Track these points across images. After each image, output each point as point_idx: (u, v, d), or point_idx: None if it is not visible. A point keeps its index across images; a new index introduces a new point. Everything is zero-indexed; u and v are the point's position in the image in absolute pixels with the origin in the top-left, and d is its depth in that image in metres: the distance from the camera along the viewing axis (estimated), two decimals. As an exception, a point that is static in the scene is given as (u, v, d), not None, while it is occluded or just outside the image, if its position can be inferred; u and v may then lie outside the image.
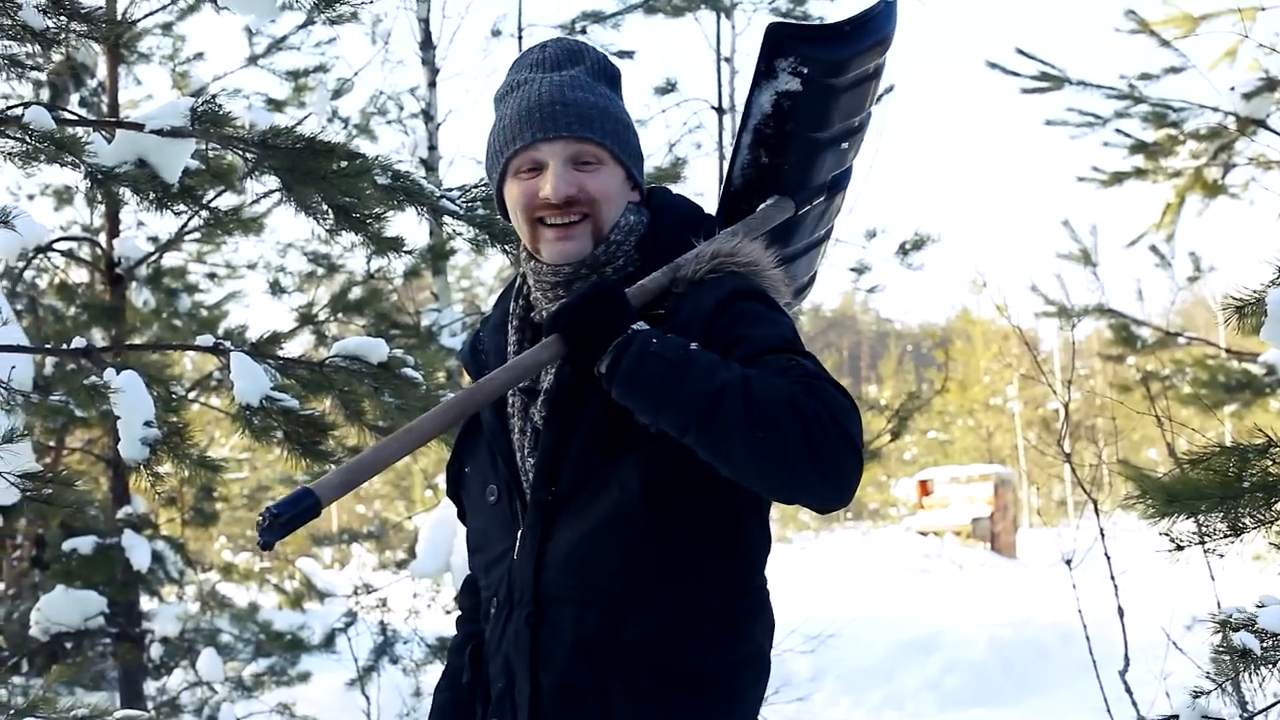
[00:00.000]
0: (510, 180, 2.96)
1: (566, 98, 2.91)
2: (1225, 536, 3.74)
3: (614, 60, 3.12)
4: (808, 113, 3.26)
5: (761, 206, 3.24)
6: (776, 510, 39.51)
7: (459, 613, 3.32)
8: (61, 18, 4.49)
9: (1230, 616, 3.63)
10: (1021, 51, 9.77)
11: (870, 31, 3.30)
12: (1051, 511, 44.90)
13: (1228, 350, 11.80)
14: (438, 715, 3.20)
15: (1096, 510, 7.18)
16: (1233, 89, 9.51)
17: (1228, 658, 3.61)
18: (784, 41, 3.23)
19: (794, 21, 3.25)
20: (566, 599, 2.78)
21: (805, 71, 3.22)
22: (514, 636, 2.84)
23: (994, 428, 55.81)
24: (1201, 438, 3.90)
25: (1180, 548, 3.79)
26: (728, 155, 12.55)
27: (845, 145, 3.40)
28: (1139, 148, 10.65)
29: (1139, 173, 10.92)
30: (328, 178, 4.39)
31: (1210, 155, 10.63)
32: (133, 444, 4.61)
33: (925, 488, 38.24)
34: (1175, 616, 9.00)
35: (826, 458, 2.49)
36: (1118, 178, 10.93)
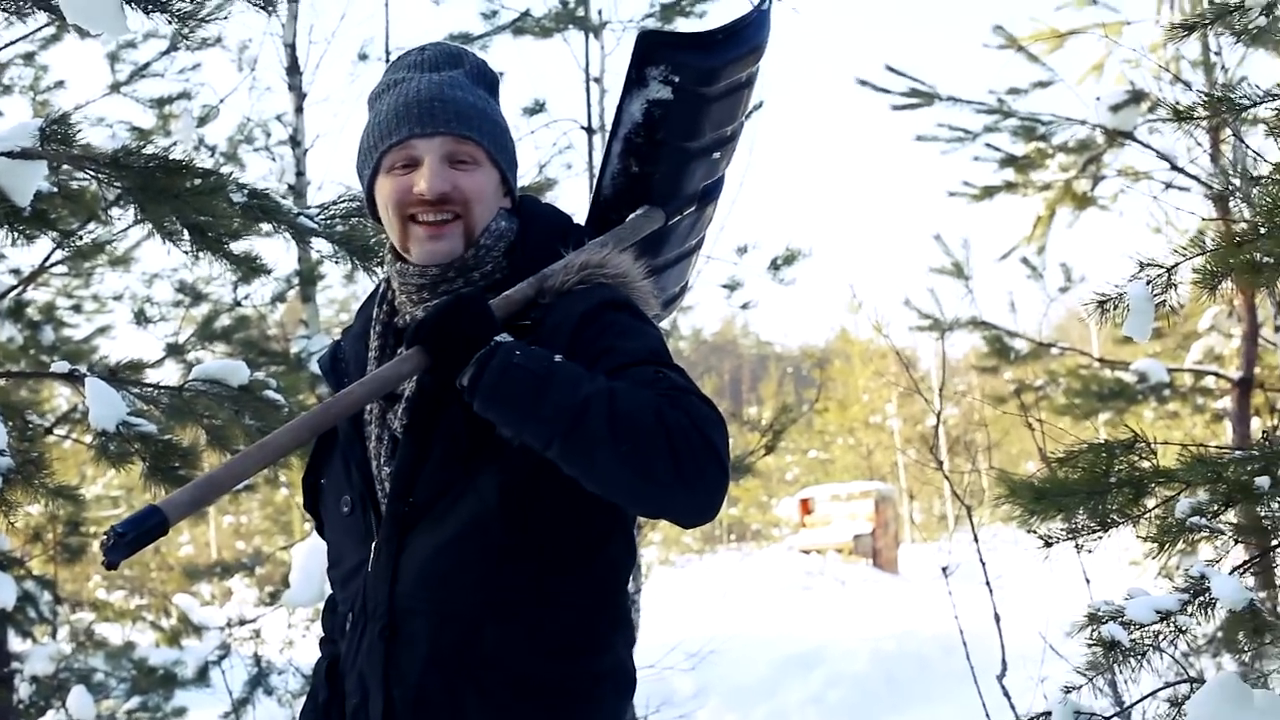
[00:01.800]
0: (383, 177, 2.90)
1: (445, 95, 2.86)
2: (1094, 532, 3.75)
3: (492, 68, 3.07)
4: (679, 121, 3.22)
5: (631, 216, 3.20)
6: (658, 532, 39.52)
7: (321, 634, 3.24)
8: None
9: (1100, 610, 3.64)
10: (891, 69, 9.84)
11: (743, 40, 3.27)
12: (932, 526, 45.29)
13: (1100, 360, 11.97)
14: None
15: (971, 517, 7.22)
16: (1099, 99, 9.62)
17: (1099, 650, 3.61)
18: (655, 49, 3.19)
19: (665, 29, 3.20)
20: (421, 611, 2.72)
21: (677, 80, 3.18)
22: (368, 651, 2.77)
23: (874, 445, 56.10)
24: (1073, 439, 3.90)
25: (1049, 544, 3.80)
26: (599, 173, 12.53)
27: (717, 155, 3.36)
28: (1009, 162, 10.77)
29: (1009, 186, 11.04)
30: (181, 196, 4.31)
31: (1079, 168, 10.77)
32: (-15, 474, 4.51)
33: (806, 506, 38.39)
34: (1052, 624, 9.08)
35: (691, 472, 2.45)
36: (988, 192, 11.04)
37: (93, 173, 4.46)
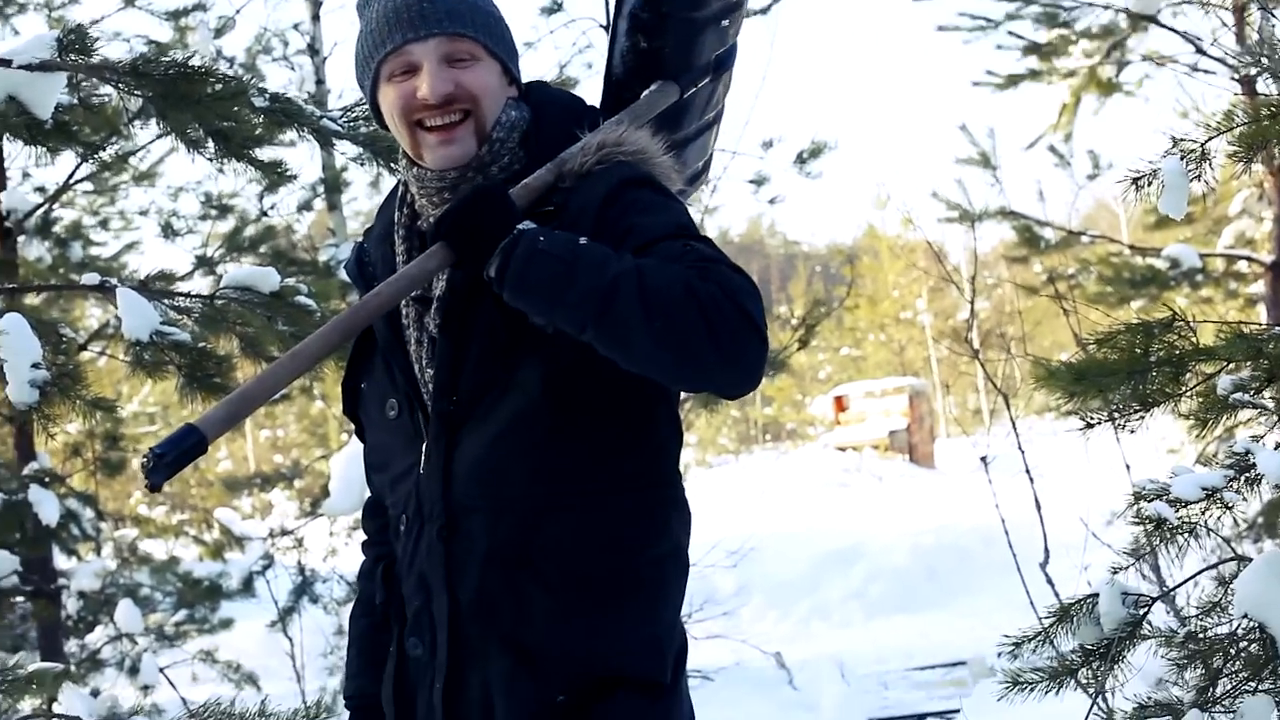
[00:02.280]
0: (384, 86, 2.86)
1: None
2: (1134, 412, 3.71)
3: None
4: None
5: (645, 93, 3.14)
6: (693, 434, 39.61)
7: (365, 538, 3.24)
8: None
9: (1144, 488, 3.61)
10: (910, -43, 9.74)
11: None
12: (967, 420, 45.24)
13: (1131, 247, 11.88)
14: (358, 644, 3.14)
15: (1008, 405, 7.19)
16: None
17: (1144, 529, 3.58)
18: None
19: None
20: (478, 508, 2.71)
21: None
22: (427, 551, 2.77)
23: (906, 341, 56.11)
24: (1094, 332, 3.86)
25: (1090, 425, 3.76)
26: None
27: (726, 23, 3.31)
28: (1032, 49, 10.67)
29: (1033, 74, 10.95)
30: (203, 102, 4.27)
31: (1103, 54, 10.66)
32: (21, 387, 4.51)
33: (841, 404, 38.45)
34: (1092, 512, 9.07)
35: (728, 342, 2.44)
36: (1013, 80, 10.96)
37: (113, 83, 4.42)
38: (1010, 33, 10.44)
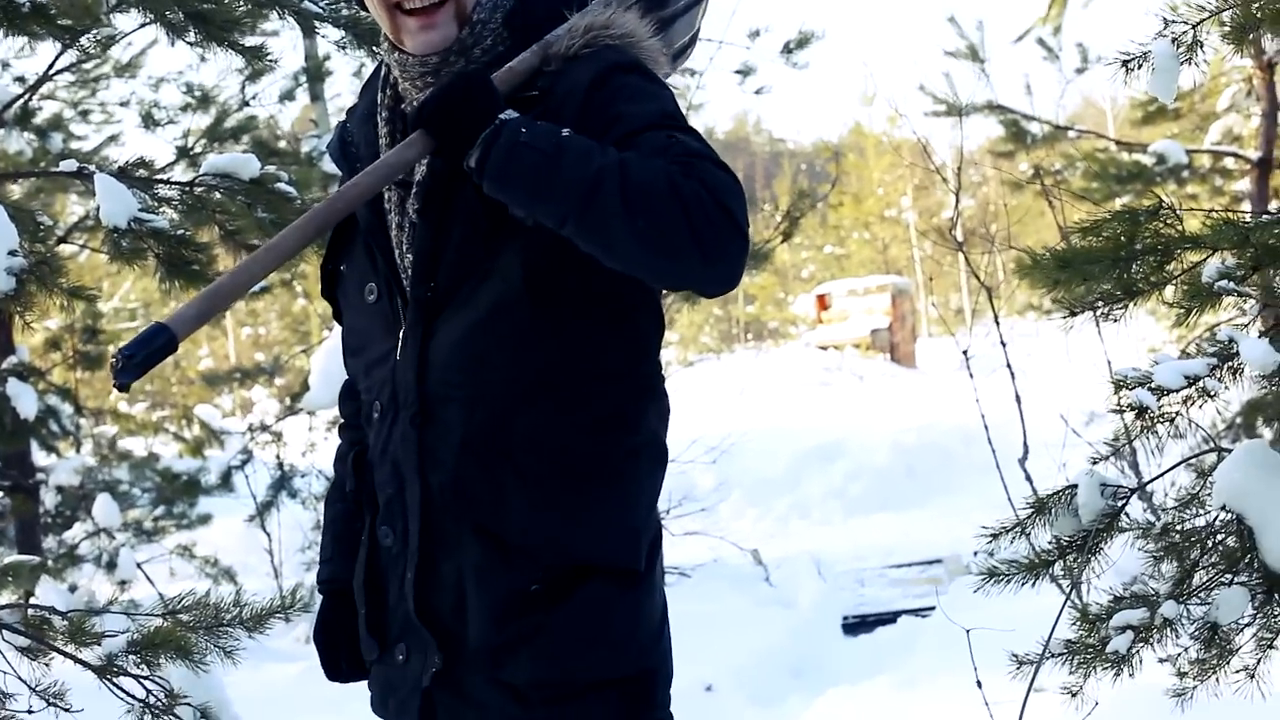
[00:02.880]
0: None
1: None
2: (1119, 301, 3.70)
3: None
4: None
5: None
6: (674, 333, 39.58)
7: (340, 421, 3.20)
8: None
9: (1126, 376, 3.60)
10: None
11: None
12: (950, 320, 45.31)
13: (1117, 142, 11.83)
14: (331, 528, 3.11)
15: (991, 299, 7.18)
16: None
17: (1126, 417, 3.58)
18: None
19: None
20: (453, 397, 2.68)
21: None
22: (400, 439, 2.73)
23: (890, 239, 56.10)
24: (1079, 221, 3.84)
25: (1073, 313, 3.74)
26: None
27: None
28: (1021, -63, 10.56)
29: (1023, -36, 10.84)
30: (183, -16, 4.22)
31: (1094, -58, 10.57)
32: (-2, 274, 4.47)
33: (823, 302, 38.45)
34: (1073, 410, 9.09)
35: (710, 241, 2.41)
36: (1001, -31, 10.84)
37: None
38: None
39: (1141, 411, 3.54)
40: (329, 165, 10.25)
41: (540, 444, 2.65)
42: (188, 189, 4.84)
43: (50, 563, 9.87)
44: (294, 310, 41.92)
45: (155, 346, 2.40)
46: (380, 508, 2.82)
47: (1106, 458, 3.84)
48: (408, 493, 2.73)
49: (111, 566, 10.45)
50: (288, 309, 42.15)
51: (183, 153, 10.64)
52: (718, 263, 2.44)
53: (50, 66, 9.71)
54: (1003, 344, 6.98)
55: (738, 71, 11.99)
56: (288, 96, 11.69)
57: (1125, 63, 3.56)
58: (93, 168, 4.81)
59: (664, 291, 3.04)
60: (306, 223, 2.61)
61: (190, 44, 4.62)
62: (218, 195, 4.85)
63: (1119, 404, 3.57)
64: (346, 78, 15.69)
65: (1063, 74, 11.66)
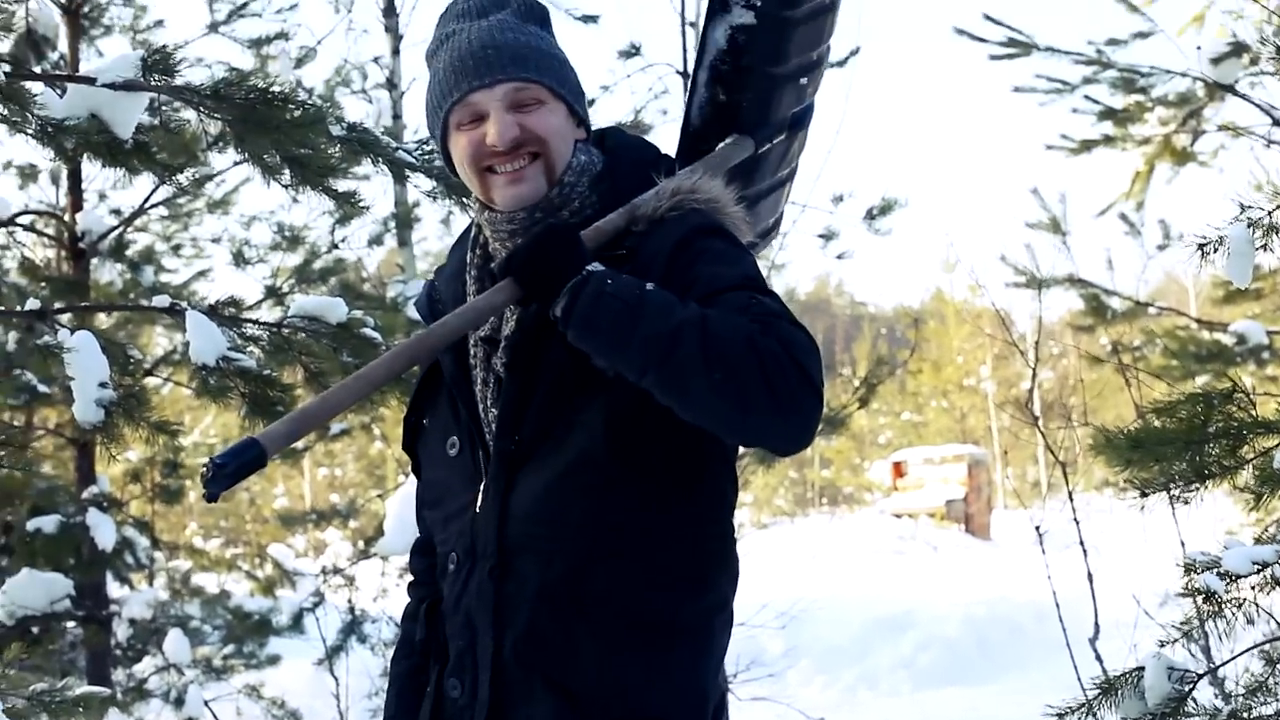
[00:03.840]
0: (454, 134, 2.91)
1: (497, 41, 2.85)
2: (1191, 483, 3.70)
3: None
4: (763, 46, 3.22)
5: (721, 145, 3.20)
6: (749, 494, 39.46)
7: (411, 578, 3.25)
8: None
9: (1195, 560, 3.59)
10: (989, 17, 9.71)
11: None
12: (1025, 493, 44.96)
13: (1198, 320, 11.79)
14: (397, 684, 3.13)
15: (1065, 474, 7.15)
16: (1199, 49, 9.45)
17: (1194, 601, 3.57)
18: None
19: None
20: (531, 549, 2.71)
21: (759, 4, 3.18)
22: (476, 590, 2.77)
23: (967, 409, 55.83)
24: (1154, 401, 3.85)
25: (1145, 494, 3.75)
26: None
27: (804, 81, 3.35)
28: (1107, 114, 10.61)
29: (1108, 140, 10.88)
30: (281, 128, 4.32)
31: (1179, 122, 10.60)
32: (87, 405, 4.57)
33: (899, 470, 38.27)
34: (1146, 591, 9.00)
35: (785, 396, 2.46)
36: (1086, 145, 10.90)
37: (194, 105, 4.48)
38: (1086, 97, 10.38)
39: (1210, 596, 3.53)
40: (413, 311, 10.37)
41: (614, 599, 2.68)
42: (275, 329, 4.93)
43: (119, 696, 9.89)
44: (371, 453, 42.12)
45: (246, 459, 2.46)
46: (450, 659, 2.85)
47: (1175, 641, 3.82)
48: (479, 644, 2.75)
49: (179, 703, 10.44)
50: (364, 451, 42.37)
51: (270, 291, 10.82)
52: (792, 418, 2.49)
53: (146, 200, 9.94)
54: (1076, 521, 6.93)
55: (820, 235, 12.07)
56: (376, 241, 11.88)
57: (1201, 247, 3.59)
58: (185, 304, 4.91)
59: (739, 452, 3.08)
60: (395, 357, 2.69)
61: (284, 186, 4.72)
62: (304, 337, 4.93)
63: (1188, 587, 3.56)
64: (434, 225, 15.95)
65: (1145, 249, 11.66)
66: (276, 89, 4.38)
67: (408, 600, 3.21)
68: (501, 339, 2.83)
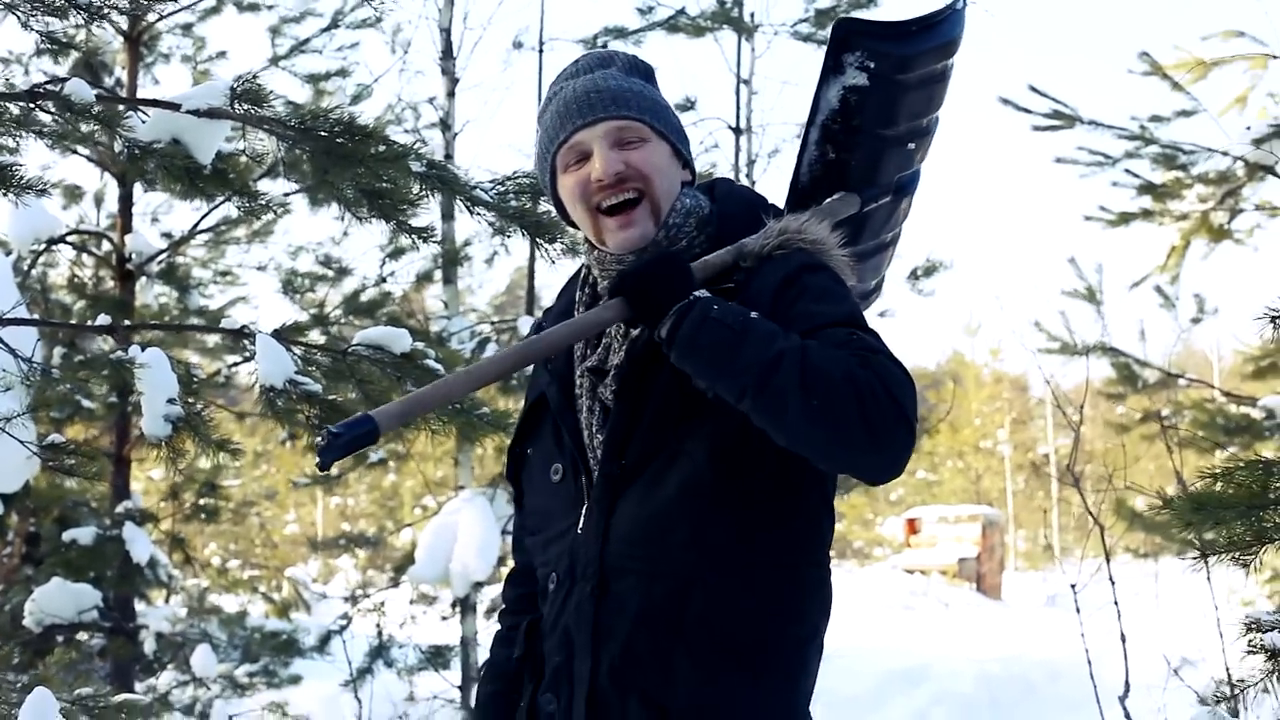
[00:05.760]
0: (561, 177, 3.00)
1: (599, 86, 2.96)
2: (1250, 546, 3.76)
3: (645, 61, 3.17)
4: (875, 109, 3.30)
5: (828, 200, 3.28)
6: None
7: (503, 606, 3.32)
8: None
9: (1261, 619, 3.66)
10: (1034, 89, 9.80)
11: (938, 33, 3.33)
12: (1037, 556, 44.86)
13: (1224, 393, 11.83)
14: (484, 705, 3.20)
15: (1103, 535, 7.22)
16: (1248, 129, 9.51)
17: (1259, 657, 3.62)
18: (851, 36, 3.27)
19: (862, 18, 3.28)
20: (632, 570, 2.78)
21: (872, 66, 3.26)
22: (575, 610, 2.83)
23: (983, 470, 55.70)
24: (1213, 466, 3.91)
25: (1206, 555, 3.81)
26: (744, 175, 12.68)
27: (912, 146, 3.42)
28: (1147, 189, 10.66)
29: (1146, 214, 10.93)
30: (365, 162, 4.41)
31: (1218, 199, 10.65)
32: (156, 421, 4.65)
33: (913, 526, 38.18)
34: (1171, 654, 9.03)
35: (879, 427, 2.54)
36: (1125, 218, 10.95)
37: (278, 135, 4.56)
38: (1127, 170, 10.45)
39: (1274, 655, 3.59)
40: (455, 345, 10.48)
41: (711, 623, 2.74)
42: (340, 356, 5.00)
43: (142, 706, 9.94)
44: (384, 485, 42.12)
45: (360, 432, 2.56)
46: (546, 676, 2.92)
47: (1233, 696, 3.87)
48: (576, 661, 2.82)
49: (204, 717, 10.52)
50: (377, 483, 42.35)
51: (318, 319, 10.91)
52: (884, 449, 2.58)
53: (195, 226, 10.05)
54: (1111, 581, 7.00)
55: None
56: (426, 278, 11.97)
57: (1275, 319, 3.66)
58: (254, 326, 4.99)
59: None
60: (505, 357, 2.81)
61: (360, 219, 4.80)
62: (368, 365, 5.00)
63: (1252, 644, 3.62)
64: (480, 265, 16.06)
65: (1178, 322, 11.72)
66: (361, 123, 4.47)
67: (499, 627, 3.28)
68: (609, 369, 2.91)
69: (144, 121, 4.73)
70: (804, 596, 2.86)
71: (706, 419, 2.74)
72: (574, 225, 3.09)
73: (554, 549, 2.95)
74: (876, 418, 2.53)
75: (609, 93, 2.95)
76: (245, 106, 4.49)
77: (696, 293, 2.70)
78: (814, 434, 2.56)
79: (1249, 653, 3.64)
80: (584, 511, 2.87)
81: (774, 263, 2.86)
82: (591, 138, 2.93)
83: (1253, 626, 3.62)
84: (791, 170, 3.40)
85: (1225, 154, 9.98)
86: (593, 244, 3.02)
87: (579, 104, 2.94)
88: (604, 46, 11.55)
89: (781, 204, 3.27)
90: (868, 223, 3.41)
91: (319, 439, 2.55)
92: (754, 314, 2.65)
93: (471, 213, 4.78)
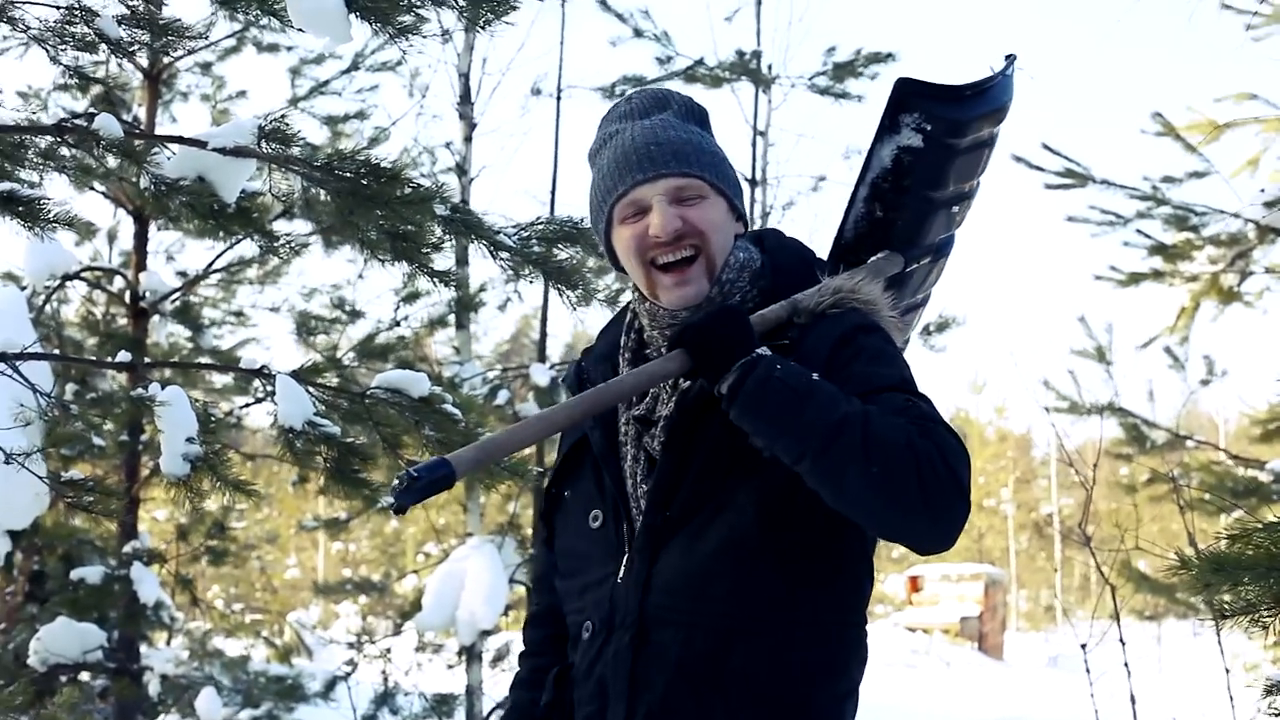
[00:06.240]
0: (617, 228, 2.99)
1: (660, 138, 2.94)
2: (1271, 608, 3.75)
3: (699, 104, 3.16)
4: (926, 170, 3.30)
5: (872, 259, 3.28)
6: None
7: (523, 649, 3.31)
8: (137, 29, 4.54)
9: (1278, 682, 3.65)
10: (1048, 147, 9.81)
11: (991, 98, 3.34)
12: (1038, 616, 44.74)
13: (1231, 455, 11.81)
14: None
15: (1114, 595, 7.20)
16: (1261, 191, 9.52)
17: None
18: (910, 98, 3.27)
19: (920, 80, 3.29)
20: (673, 621, 2.77)
21: (929, 129, 3.26)
22: (613, 659, 2.82)
23: (986, 529, 55.64)
24: (1229, 527, 3.91)
25: (1224, 616, 3.80)
26: (757, 225, 12.70)
27: (955, 209, 3.44)
28: (1158, 249, 10.65)
29: (1156, 275, 10.93)
30: (390, 204, 4.42)
31: (1228, 261, 10.66)
32: (174, 459, 4.65)
33: (915, 584, 38.17)
34: (1182, 716, 9.01)
35: (936, 500, 2.55)
36: (1135, 278, 10.93)
37: (304, 175, 4.57)
38: (1139, 230, 10.45)
39: (1294, 716, 3.58)
40: (468, 390, 10.47)
41: (752, 678, 2.73)
42: (359, 399, 5.00)
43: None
44: (385, 531, 42.12)
45: (437, 476, 2.56)
46: None
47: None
48: (610, 712, 2.80)
49: (208, 760, 10.48)
50: (379, 530, 42.35)
51: (332, 362, 10.91)
52: (940, 520, 2.58)
53: (209, 265, 10.07)
54: (1122, 642, 6.97)
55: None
56: (439, 323, 11.98)
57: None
58: (273, 367, 4.99)
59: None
60: (574, 405, 2.80)
61: (381, 261, 4.82)
62: (385, 408, 5.00)
63: (1272, 708, 3.61)
64: (486, 312, 16.05)
65: (1186, 383, 11.71)
66: (386, 165, 4.48)
67: (518, 669, 3.27)
68: (658, 418, 2.91)
69: (170, 158, 4.75)
70: (843, 654, 2.85)
71: (755, 473, 2.73)
72: (623, 271, 3.08)
73: (590, 596, 2.94)
74: (934, 488, 2.54)
75: (669, 146, 2.93)
76: (272, 146, 4.50)
77: (759, 350, 2.70)
78: (872, 501, 2.57)
79: (1271, 715, 3.63)
80: (625, 561, 2.86)
81: (828, 320, 2.87)
82: (651, 194, 2.91)
83: (1273, 689, 3.61)
84: (835, 225, 3.40)
85: (1236, 216, 9.99)
86: (643, 294, 3.01)
87: (639, 157, 2.93)
88: (622, 95, 11.50)
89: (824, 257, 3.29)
90: (906, 282, 3.41)
91: (396, 481, 2.55)
92: (816, 376, 2.66)
93: (495, 258, 4.78)
